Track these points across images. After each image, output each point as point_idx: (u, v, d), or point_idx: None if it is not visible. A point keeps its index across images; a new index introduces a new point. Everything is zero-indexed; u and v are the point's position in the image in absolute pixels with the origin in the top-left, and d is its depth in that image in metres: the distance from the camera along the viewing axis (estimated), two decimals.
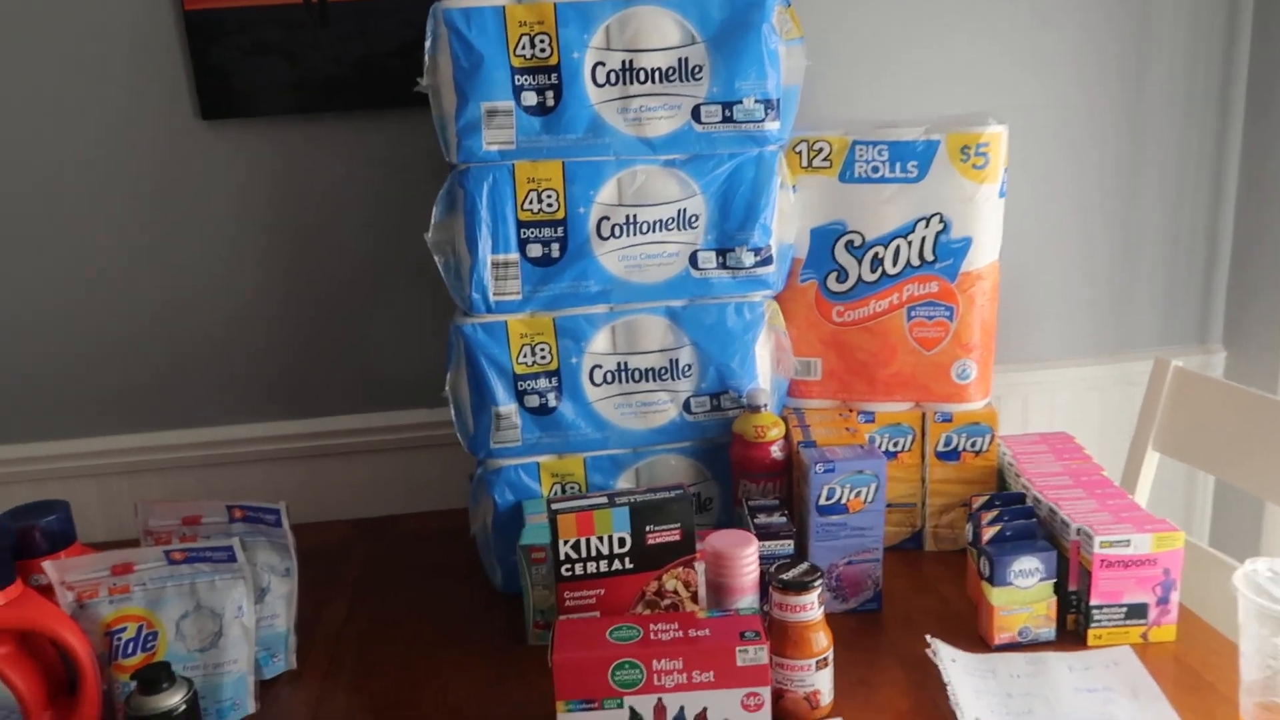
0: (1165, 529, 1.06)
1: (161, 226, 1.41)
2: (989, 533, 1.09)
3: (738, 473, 1.22)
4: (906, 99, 1.47)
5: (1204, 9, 1.50)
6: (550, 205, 1.16)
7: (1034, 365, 1.60)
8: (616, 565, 1.02)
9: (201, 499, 1.13)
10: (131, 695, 0.90)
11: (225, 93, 1.36)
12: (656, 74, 1.15)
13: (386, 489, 1.51)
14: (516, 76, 1.12)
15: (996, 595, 1.06)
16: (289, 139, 1.40)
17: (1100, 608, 1.07)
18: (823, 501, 1.13)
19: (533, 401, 1.20)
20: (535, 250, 1.17)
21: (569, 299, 1.19)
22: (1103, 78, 1.51)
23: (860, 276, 1.26)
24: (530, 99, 1.13)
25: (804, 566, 0.99)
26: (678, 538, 1.03)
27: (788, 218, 1.23)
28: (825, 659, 0.97)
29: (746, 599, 1.02)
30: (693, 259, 1.20)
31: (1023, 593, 1.07)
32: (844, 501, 1.13)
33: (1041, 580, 1.07)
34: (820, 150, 1.24)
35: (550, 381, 1.20)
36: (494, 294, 1.17)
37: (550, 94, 1.13)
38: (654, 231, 1.19)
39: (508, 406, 1.20)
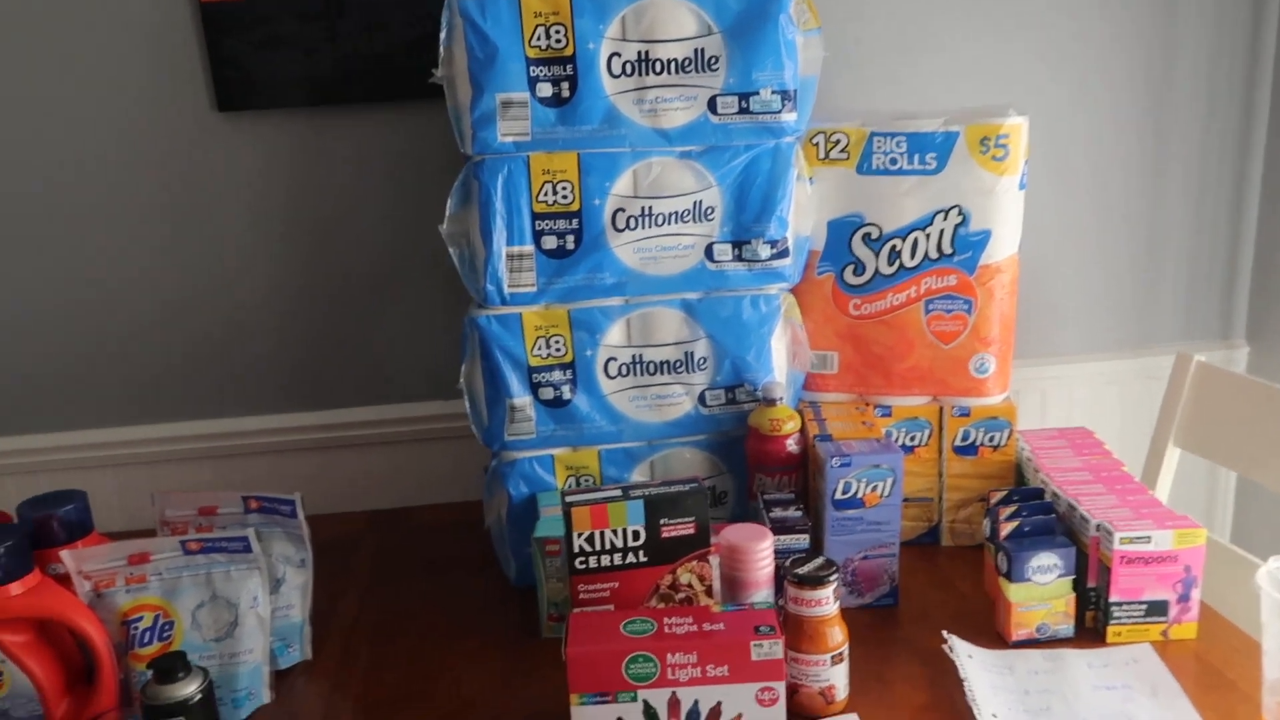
0: (1187, 525, 1.05)
1: (178, 218, 1.42)
2: (1007, 528, 1.08)
3: (753, 466, 1.21)
4: (925, 90, 1.46)
5: (1229, 1, 1.48)
6: (565, 197, 1.16)
7: (1053, 359, 1.59)
8: (631, 558, 1.02)
9: (218, 490, 1.13)
10: (148, 684, 0.90)
11: (241, 85, 1.36)
12: (672, 65, 1.14)
13: (401, 481, 1.52)
14: (532, 67, 1.12)
15: (1014, 591, 1.05)
16: (304, 131, 1.40)
17: (1120, 604, 1.06)
18: (839, 496, 1.12)
19: (547, 394, 1.20)
20: (550, 242, 1.16)
21: (584, 291, 1.18)
22: (1126, 68, 1.49)
23: (877, 269, 1.25)
24: (545, 90, 1.13)
25: (819, 561, 0.99)
26: (692, 531, 1.02)
27: (804, 210, 1.23)
28: (841, 654, 0.97)
29: (761, 593, 1.02)
30: (708, 251, 1.20)
31: (1041, 589, 1.06)
32: (860, 496, 1.12)
33: (1060, 576, 1.06)
34: (838, 142, 1.23)
35: (565, 374, 1.20)
36: (509, 286, 1.16)
37: (565, 85, 1.13)
38: (669, 224, 1.18)
39: (522, 399, 1.19)
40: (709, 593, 1.04)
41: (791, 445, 1.19)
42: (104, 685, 0.98)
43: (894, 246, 1.24)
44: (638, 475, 1.24)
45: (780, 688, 0.89)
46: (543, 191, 1.15)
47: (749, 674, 0.88)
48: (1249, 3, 1.49)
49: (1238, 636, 1.07)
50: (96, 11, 1.33)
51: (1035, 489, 1.17)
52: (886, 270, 1.25)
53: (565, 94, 1.13)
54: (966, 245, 1.22)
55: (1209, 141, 1.54)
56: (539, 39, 1.11)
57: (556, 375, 1.19)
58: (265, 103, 1.37)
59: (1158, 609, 1.06)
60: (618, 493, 1.02)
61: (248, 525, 1.10)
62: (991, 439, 1.25)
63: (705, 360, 1.22)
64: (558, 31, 1.11)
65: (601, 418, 1.21)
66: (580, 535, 1.01)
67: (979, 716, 0.94)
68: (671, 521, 1.02)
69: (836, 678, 0.97)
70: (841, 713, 0.98)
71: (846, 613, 1.00)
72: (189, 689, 0.90)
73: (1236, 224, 1.58)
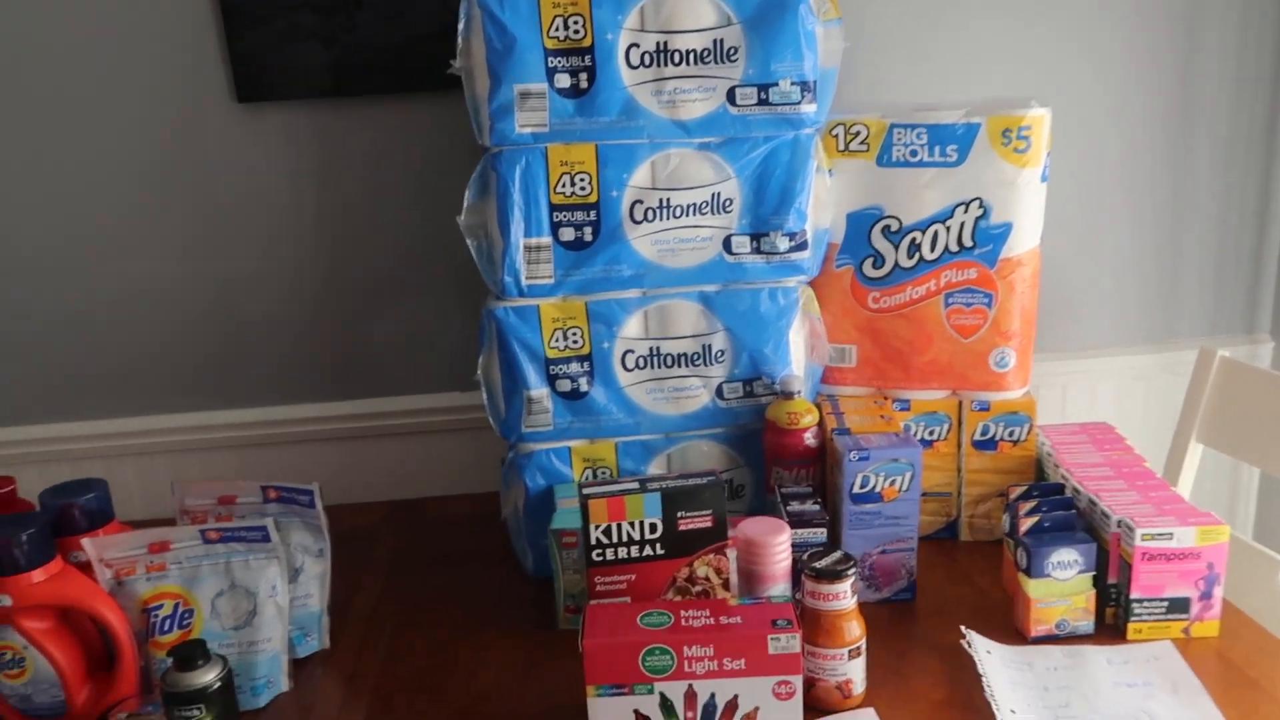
0: (1209, 522, 1.04)
1: (198, 210, 1.42)
2: (1026, 524, 1.08)
3: (770, 460, 1.21)
4: (946, 81, 1.45)
5: None
6: (583, 188, 1.15)
7: (1074, 354, 1.57)
8: (648, 551, 1.02)
9: (237, 479, 1.14)
10: (168, 671, 0.91)
11: (261, 76, 1.37)
12: (691, 56, 1.13)
13: (419, 472, 1.52)
14: (550, 58, 1.11)
15: (1034, 587, 1.05)
16: (323, 122, 1.40)
17: (1141, 601, 1.05)
18: (857, 490, 1.11)
19: (564, 386, 1.20)
20: (568, 234, 1.16)
21: (601, 283, 1.18)
22: (1151, 60, 1.47)
23: (897, 262, 1.24)
24: (563, 81, 1.12)
25: (837, 555, 0.98)
26: (709, 524, 1.02)
27: (823, 202, 1.22)
28: (858, 648, 0.96)
29: (778, 587, 1.02)
30: (726, 243, 1.19)
31: (1061, 585, 1.05)
32: (878, 490, 1.11)
33: (1080, 573, 1.05)
34: (857, 133, 1.22)
35: (582, 366, 1.19)
36: (526, 278, 1.16)
37: (584, 76, 1.12)
38: (687, 215, 1.17)
39: (539, 391, 1.19)
40: (726, 586, 1.04)
41: (809, 439, 1.19)
42: (124, 672, 0.99)
43: (914, 239, 1.23)
44: (654, 468, 1.24)
45: (797, 681, 0.89)
46: (560, 183, 1.15)
47: (766, 667, 0.88)
48: None
49: (1260, 635, 1.06)
50: (117, 4, 1.34)
51: (1055, 484, 1.16)
52: (906, 263, 1.24)
53: (583, 85, 1.13)
54: (987, 238, 1.21)
55: (1235, 133, 1.52)
56: (557, 30, 1.11)
57: (574, 367, 1.19)
58: (285, 94, 1.38)
59: (1179, 606, 1.05)
60: (635, 485, 1.02)
61: (266, 515, 1.10)
62: (1011, 434, 1.24)
63: (723, 353, 1.21)
64: (576, 22, 1.11)
65: (619, 410, 1.21)
66: (597, 527, 1.01)
67: (997, 713, 0.93)
68: (689, 514, 1.02)
69: (853, 672, 0.97)
70: (858, 707, 0.98)
71: (864, 607, 0.99)
72: (208, 677, 0.91)
73: (1263, 217, 1.56)
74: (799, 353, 1.23)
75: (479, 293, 1.25)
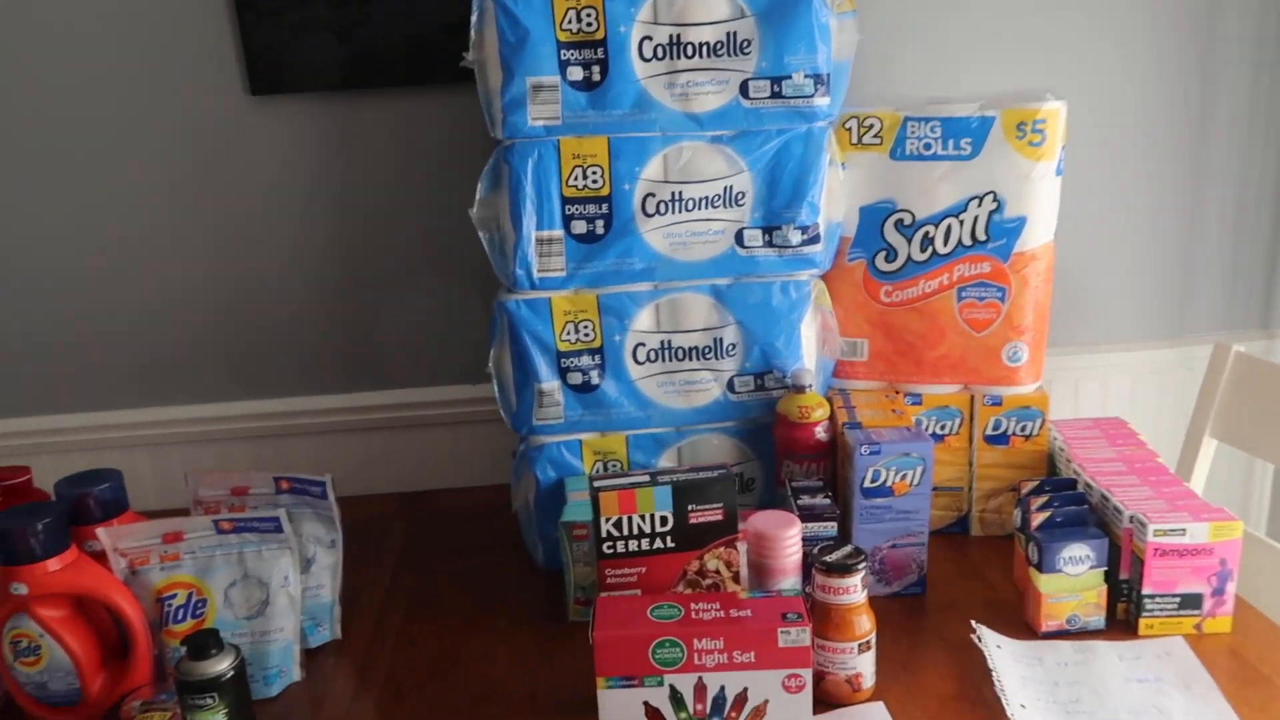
0: (1223, 518, 1.03)
1: (211, 201, 1.43)
2: (1038, 519, 1.07)
3: (781, 453, 1.21)
4: (961, 74, 1.44)
5: None
6: (595, 181, 1.15)
7: (1087, 348, 1.56)
8: (658, 544, 1.02)
9: (250, 470, 1.15)
10: (182, 660, 0.92)
11: (274, 69, 1.37)
12: (704, 48, 1.13)
13: (430, 464, 1.53)
14: (562, 51, 1.11)
15: (1045, 582, 1.04)
16: (337, 115, 1.41)
17: (1152, 597, 1.04)
18: (867, 484, 1.11)
19: (576, 379, 1.20)
20: (580, 227, 1.16)
21: (613, 276, 1.18)
22: (1168, 52, 1.46)
23: (910, 256, 1.24)
24: (576, 74, 1.12)
25: (848, 549, 0.98)
26: (720, 517, 1.02)
27: (836, 195, 1.22)
28: (868, 642, 0.97)
29: (789, 580, 1.02)
30: (739, 237, 1.19)
31: (1072, 580, 1.04)
32: (889, 484, 1.11)
33: (1092, 568, 1.04)
34: (871, 126, 1.22)
35: (593, 359, 1.20)
36: (538, 270, 1.16)
37: (596, 69, 1.12)
38: (700, 209, 1.17)
39: (551, 383, 1.19)
40: (736, 579, 1.04)
41: (820, 433, 1.19)
42: (138, 661, 1.00)
43: (927, 233, 1.22)
44: (665, 461, 1.24)
45: (807, 675, 0.89)
46: (573, 176, 1.15)
47: (775, 660, 0.88)
48: None
49: (1274, 631, 1.05)
50: None
51: (1067, 479, 1.16)
52: (919, 257, 1.23)
53: (596, 78, 1.13)
54: (1001, 232, 1.21)
55: (1252, 126, 1.51)
56: (570, 22, 1.11)
57: (585, 360, 1.19)
58: (298, 86, 1.38)
59: (1191, 602, 1.04)
60: (646, 478, 1.02)
61: (279, 506, 1.11)
62: (1023, 428, 1.24)
63: (734, 346, 1.21)
64: (589, 15, 1.11)
65: (630, 403, 1.21)
66: (608, 520, 1.01)
67: (1007, 707, 0.93)
68: (699, 507, 1.02)
69: (863, 666, 0.97)
70: (868, 701, 0.98)
71: (874, 601, 0.99)
72: (221, 666, 0.91)
73: (1279, 211, 1.55)
74: (810, 346, 1.23)
75: (491, 285, 1.25)
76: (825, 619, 0.96)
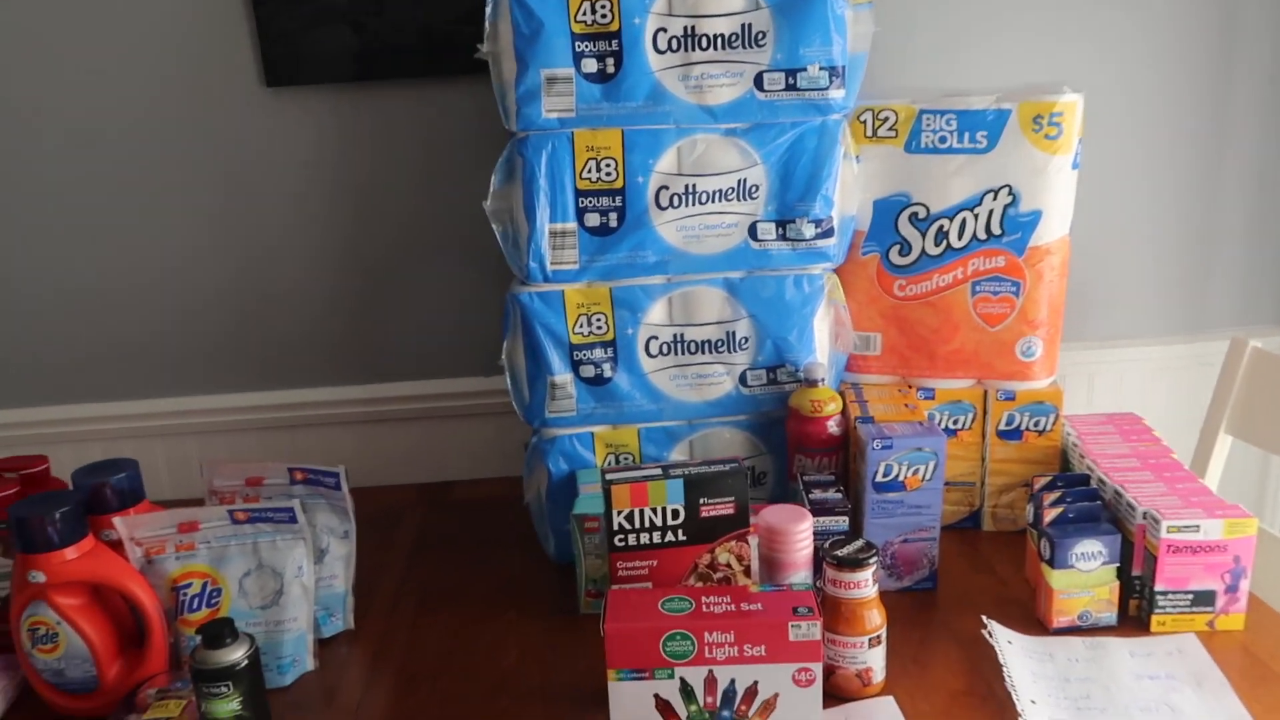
0: (1237, 515, 1.03)
1: (227, 193, 1.43)
2: (1051, 514, 1.07)
3: (793, 447, 1.21)
4: (977, 66, 1.43)
5: None
6: (609, 174, 1.15)
7: (1102, 343, 1.56)
8: (669, 537, 1.02)
9: (264, 461, 1.15)
10: (196, 649, 0.93)
11: (289, 60, 1.37)
12: (719, 40, 1.13)
13: (443, 455, 1.53)
14: (577, 43, 1.11)
15: (1056, 578, 1.04)
16: (351, 106, 1.41)
17: (1165, 594, 1.04)
18: (879, 478, 1.11)
19: (588, 372, 1.20)
20: (593, 220, 1.16)
21: (626, 269, 1.18)
22: (1185, 44, 1.45)
23: (924, 250, 1.23)
24: (590, 66, 1.12)
25: (859, 543, 0.98)
26: (731, 511, 1.02)
27: (850, 189, 1.21)
28: (878, 637, 0.97)
29: (800, 574, 1.02)
30: (752, 230, 1.19)
31: (1084, 576, 1.04)
32: (901, 479, 1.11)
33: (1104, 564, 1.04)
34: (886, 119, 1.21)
35: (606, 352, 1.20)
36: (551, 263, 1.17)
37: (610, 61, 1.12)
38: (713, 202, 1.17)
39: (563, 376, 1.20)
40: (747, 573, 1.04)
41: (832, 427, 1.19)
42: (154, 649, 1.01)
43: (941, 227, 1.22)
44: (677, 454, 1.25)
45: (817, 669, 0.89)
46: (586, 168, 1.15)
47: (786, 654, 0.88)
48: None
49: None
50: None
51: (1080, 475, 1.15)
52: (933, 251, 1.23)
53: (610, 70, 1.12)
54: (1016, 226, 1.20)
55: (1270, 120, 1.49)
56: (584, 14, 1.10)
57: (598, 353, 1.20)
58: (313, 78, 1.38)
59: (1204, 599, 1.04)
60: (658, 471, 1.03)
61: (293, 496, 1.11)
62: (1037, 423, 1.23)
63: (747, 340, 1.21)
64: (603, 7, 1.10)
65: (642, 396, 1.21)
66: (620, 513, 1.01)
67: (1018, 703, 0.93)
68: (711, 501, 1.02)
69: (874, 660, 0.97)
70: (878, 695, 0.98)
71: (885, 596, 0.99)
72: (236, 655, 0.92)
73: None
74: (823, 340, 1.23)
75: (504, 278, 1.25)
76: (836, 613, 0.96)
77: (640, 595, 0.94)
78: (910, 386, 1.27)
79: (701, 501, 1.01)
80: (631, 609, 0.91)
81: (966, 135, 1.19)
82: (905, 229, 1.23)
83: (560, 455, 1.22)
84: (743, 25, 1.12)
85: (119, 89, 1.38)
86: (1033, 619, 1.08)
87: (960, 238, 1.22)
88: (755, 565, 1.04)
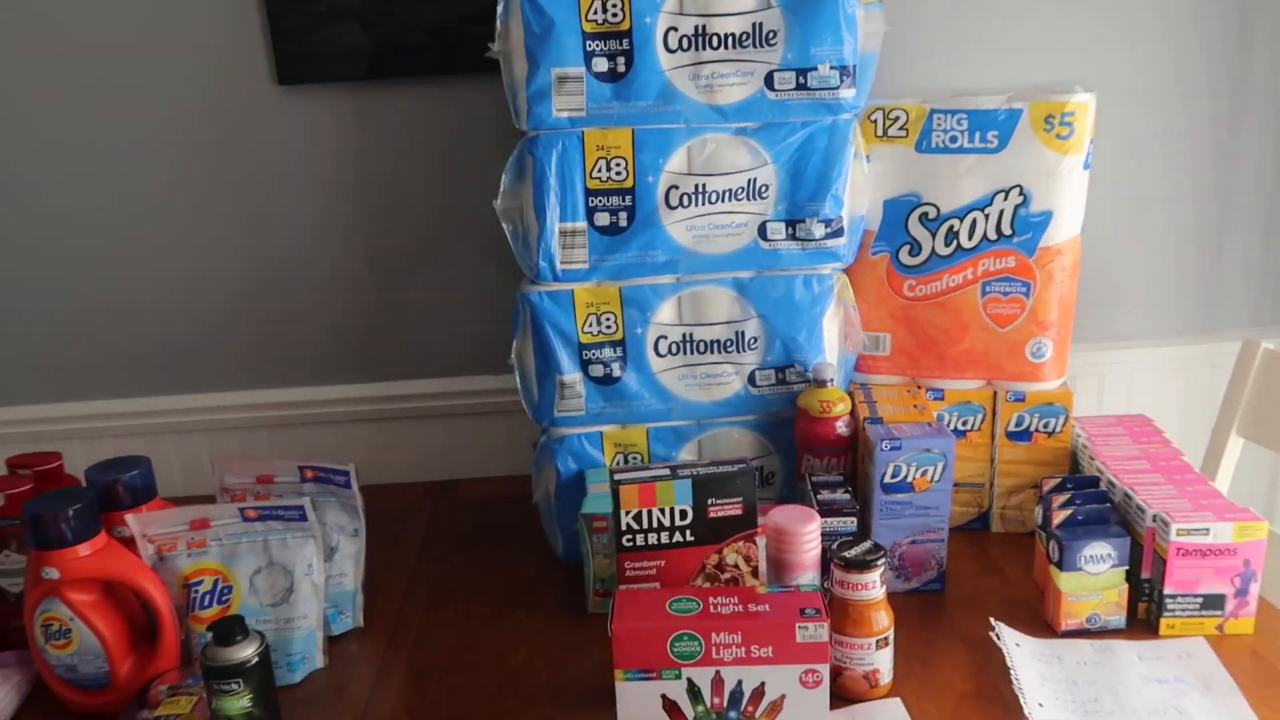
0: (1247, 518, 1.02)
1: (239, 191, 1.44)
2: (1060, 516, 1.07)
3: (802, 448, 1.21)
4: (988, 66, 1.43)
5: None
6: (619, 173, 1.15)
7: (1113, 344, 1.55)
8: (677, 537, 1.02)
9: (275, 459, 1.16)
10: (207, 646, 0.93)
11: (301, 58, 1.38)
12: (730, 39, 1.12)
13: (453, 453, 1.54)
14: (588, 42, 1.11)
15: (1065, 580, 1.04)
16: (362, 104, 1.41)
17: (1174, 597, 1.04)
18: (888, 479, 1.11)
19: (597, 371, 1.20)
20: (603, 219, 1.16)
21: (635, 269, 1.18)
22: (1199, 41, 1.44)
23: (934, 250, 1.23)
24: (601, 65, 1.12)
25: (867, 545, 0.98)
26: (739, 512, 1.03)
27: (860, 189, 1.21)
28: (886, 638, 0.97)
29: (807, 575, 1.02)
30: (762, 230, 1.19)
31: (1093, 579, 1.04)
32: (910, 480, 1.11)
33: (1113, 567, 1.04)
34: (896, 119, 1.21)
35: (615, 351, 1.20)
36: (561, 263, 1.17)
37: (621, 60, 1.12)
38: (723, 201, 1.17)
39: (572, 375, 1.20)
40: (755, 573, 1.04)
41: (841, 427, 1.18)
42: (166, 645, 1.02)
43: (951, 227, 1.22)
44: (686, 454, 1.25)
45: (824, 670, 0.89)
46: (596, 168, 1.15)
47: (793, 656, 0.89)
48: None
49: None
50: None
51: (1090, 477, 1.15)
52: (943, 251, 1.23)
53: (621, 69, 1.12)
54: (1027, 226, 1.20)
55: None
56: (595, 13, 1.10)
57: (607, 352, 1.20)
58: (324, 76, 1.39)
59: (1213, 602, 1.04)
60: (666, 472, 1.03)
61: (304, 494, 1.12)
62: (1046, 425, 1.23)
63: (756, 340, 1.21)
64: (614, 6, 1.10)
65: (651, 396, 1.22)
66: (628, 513, 1.02)
67: (1025, 705, 0.93)
68: (719, 501, 1.02)
69: (881, 662, 0.97)
70: (885, 697, 0.98)
71: (893, 597, 0.99)
72: (247, 652, 0.93)
73: None
74: (832, 340, 1.23)
75: (514, 277, 1.26)
76: (843, 614, 0.96)
77: (648, 595, 0.94)
78: (919, 387, 1.27)
79: (709, 502, 1.02)
80: (639, 609, 0.91)
81: (977, 135, 1.19)
82: (915, 229, 1.23)
83: (569, 454, 1.22)
84: (754, 24, 1.12)
85: (131, 88, 1.39)
86: (1041, 621, 1.08)
87: (971, 238, 1.21)
88: (763, 566, 1.04)
